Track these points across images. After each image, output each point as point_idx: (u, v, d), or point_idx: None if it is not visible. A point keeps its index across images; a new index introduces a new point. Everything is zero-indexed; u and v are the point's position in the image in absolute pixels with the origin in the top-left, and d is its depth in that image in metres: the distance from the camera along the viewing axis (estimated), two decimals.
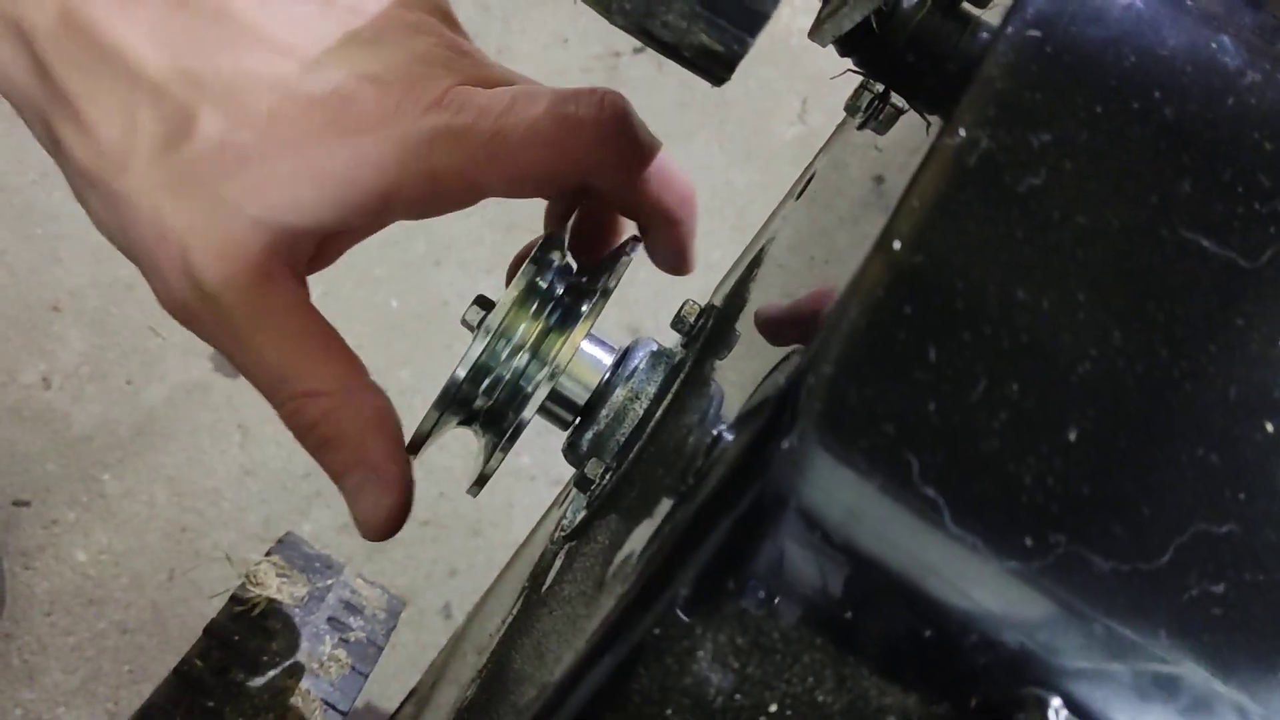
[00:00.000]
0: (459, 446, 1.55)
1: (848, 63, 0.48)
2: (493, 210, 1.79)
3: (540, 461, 1.68)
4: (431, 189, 0.46)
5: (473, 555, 1.63)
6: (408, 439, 0.52)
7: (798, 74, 1.94)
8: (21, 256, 1.61)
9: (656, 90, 1.88)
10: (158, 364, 1.61)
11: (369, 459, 0.48)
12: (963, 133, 0.32)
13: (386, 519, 0.49)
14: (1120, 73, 0.34)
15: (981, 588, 0.29)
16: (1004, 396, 0.30)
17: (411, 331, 1.73)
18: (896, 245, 0.30)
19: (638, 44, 1.76)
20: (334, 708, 0.78)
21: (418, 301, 1.75)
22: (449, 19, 0.52)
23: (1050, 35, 0.35)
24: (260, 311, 0.46)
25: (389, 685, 1.43)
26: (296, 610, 0.83)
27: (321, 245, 0.49)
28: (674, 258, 0.56)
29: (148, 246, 0.45)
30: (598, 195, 0.52)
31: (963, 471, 0.29)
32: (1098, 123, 0.33)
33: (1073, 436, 0.30)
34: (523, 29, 1.92)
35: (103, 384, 1.60)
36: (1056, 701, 0.29)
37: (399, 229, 1.67)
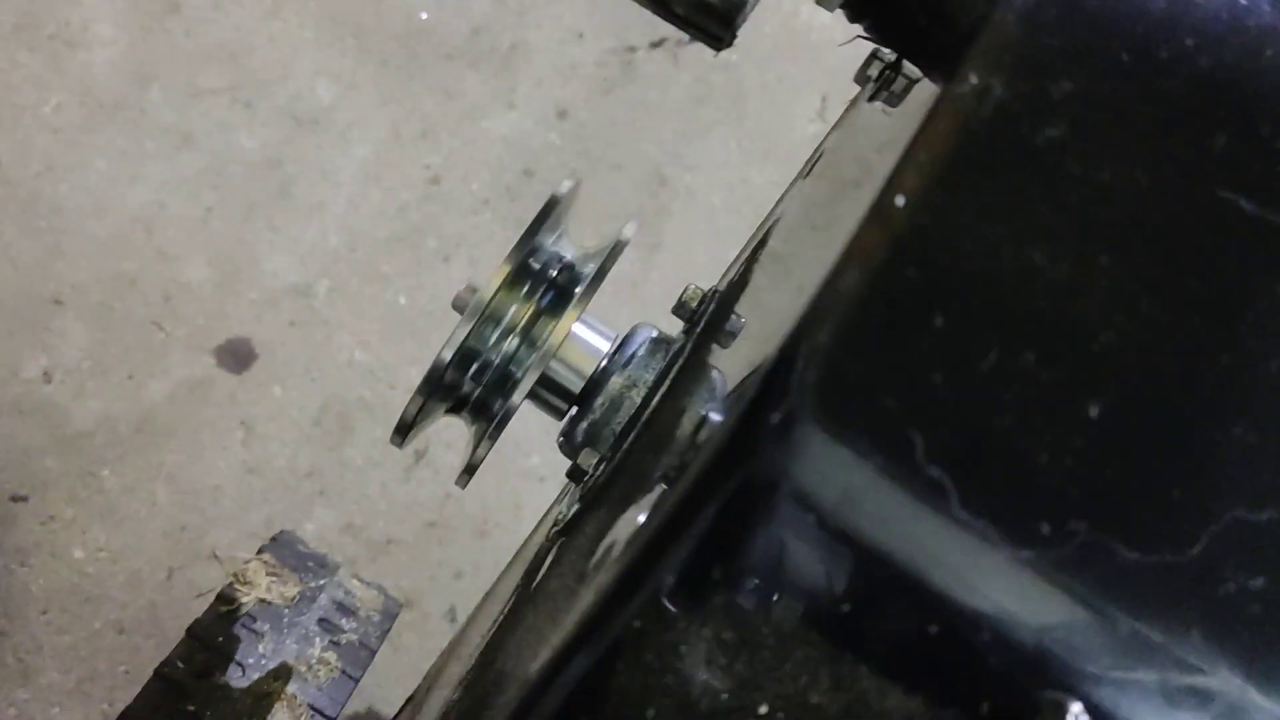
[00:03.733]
0: (466, 445, 1.52)
1: (856, 32, 0.46)
2: (503, 207, 1.77)
3: (549, 462, 1.65)
4: None
5: (479, 557, 1.61)
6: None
7: (817, 70, 1.91)
8: (25, 249, 1.60)
9: (672, 85, 1.86)
10: (160, 360, 1.60)
11: None
12: (974, 80, 0.29)
13: None
14: (1149, 19, 0.32)
15: (993, 580, 0.27)
16: (1018, 368, 0.27)
17: (421, 329, 1.71)
18: (900, 202, 0.28)
19: (654, 39, 1.72)
20: (321, 713, 0.75)
21: (427, 298, 1.72)
22: None
23: None
24: None
25: (393, 690, 1.40)
26: (286, 610, 0.81)
27: None
28: None
29: None
30: None
31: (972, 450, 0.26)
32: (1124, 72, 0.31)
33: (1094, 413, 0.27)
34: (538, 23, 1.90)
35: (104, 379, 1.58)
36: (1076, 707, 0.26)
37: (408, 225, 1.64)
